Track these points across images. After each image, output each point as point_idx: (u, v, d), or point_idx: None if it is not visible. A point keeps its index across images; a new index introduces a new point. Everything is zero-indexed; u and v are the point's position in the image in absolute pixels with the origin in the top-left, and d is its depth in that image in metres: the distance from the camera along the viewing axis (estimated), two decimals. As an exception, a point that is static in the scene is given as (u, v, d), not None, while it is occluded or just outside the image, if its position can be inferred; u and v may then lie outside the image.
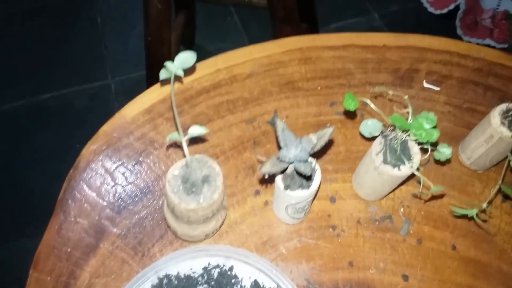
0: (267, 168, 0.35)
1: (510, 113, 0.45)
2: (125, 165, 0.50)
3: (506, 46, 1.57)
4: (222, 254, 0.43)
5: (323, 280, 0.45)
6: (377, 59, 0.61)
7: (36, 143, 1.27)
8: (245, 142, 0.53)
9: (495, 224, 0.49)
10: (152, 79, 1.07)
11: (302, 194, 0.40)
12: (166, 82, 0.56)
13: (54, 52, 1.50)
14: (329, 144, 0.54)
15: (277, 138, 0.36)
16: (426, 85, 0.59)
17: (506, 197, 0.51)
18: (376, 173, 0.43)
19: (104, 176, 0.49)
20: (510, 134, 0.44)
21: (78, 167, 0.49)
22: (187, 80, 0.57)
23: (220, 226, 0.44)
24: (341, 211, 0.49)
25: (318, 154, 0.53)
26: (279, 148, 0.37)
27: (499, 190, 0.47)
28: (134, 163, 0.51)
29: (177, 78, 0.55)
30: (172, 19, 1.10)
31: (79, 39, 1.54)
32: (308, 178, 0.38)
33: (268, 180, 0.49)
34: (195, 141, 0.53)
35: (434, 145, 0.41)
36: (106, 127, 0.52)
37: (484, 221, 0.48)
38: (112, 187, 0.49)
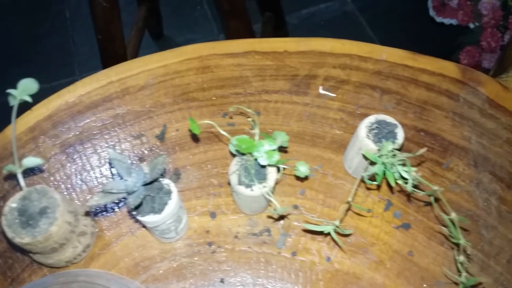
0: (94, 202, 0.34)
1: (374, 126, 0.44)
2: (3, 187, 0.50)
3: (472, 27, 1.57)
4: (85, 279, 0.43)
5: (193, 298, 0.45)
6: (276, 66, 0.61)
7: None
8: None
9: (374, 233, 0.49)
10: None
11: (154, 219, 0.39)
12: (53, 98, 0.56)
13: (24, 49, 1.49)
14: (218, 156, 0.54)
15: (110, 167, 0.35)
16: (322, 91, 0.59)
17: (388, 206, 0.51)
18: (235, 193, 0.42)
19: (-20, 200, 0.49)
20: (374, 147, 0.43)
21: (-47, 191, 0.49)
22: (76, 94, 0.56)
23: (84, 251, 0.44)
24: (220, 227, 0.49)
25: (204, 168, 0.53)
26: (114, 177, 0.36)
27: (349, 208, 0.47)
28: (11, 186, 0.50)
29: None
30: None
31: (48, 35, 1.53)
32: (137, 207, 0.38)
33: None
34: (74, 159, 0.52)
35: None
36: (-14, 148, 0.51)
37: (347, 235, 0.48)
38: (-13, 211, 0.48)
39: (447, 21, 1.59)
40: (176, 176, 0.52)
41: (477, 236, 0.49)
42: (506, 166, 0.54)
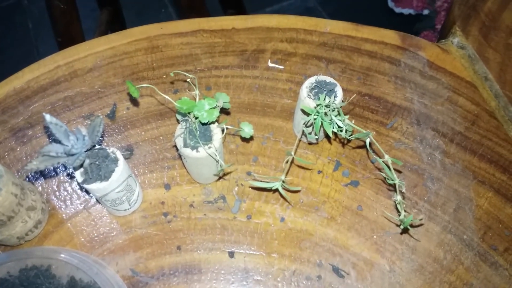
0: (33, 166, 0.34)
1: (314, 86, 0.46)
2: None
3: (426, 13, 1.63)
4: (39, 255, 0.43)
5: (149, 267, 0.46)
6: (224, 43, 0.62)
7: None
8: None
9: (325, 192, 0.51)
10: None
11: (101, 186, 0.40)
12: (1, 86, 0.55)
13: None
14: (171, 131, 0.55)
15: (48, 133, 0.36)
16: (270, 64, 0.60)
17: (337, 166, 0.53)
18: (182, 156, 0.43)
19: None
20: (314, 105, 0.45)
21: None
22: (23, 80, 0.56)
23: (36, 227, 0.44)
24: (176, 197, 0.50)
25: (157, 143, 0.53)
26: (53, 142, 0.36)
27: (292, 161, 0.49)
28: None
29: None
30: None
31: (11, 47, 1.50)
32: (80, 166, 0.38)
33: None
34: (24, 143, 0.52)
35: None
36: None
37: (295, 191, 0.50)
38: None
39: (405, 11, 1.65)
40: (129, 152, 0.52)
41: (423, 189, 0.52)
42: (448, 122, 0.57)
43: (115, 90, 0.57)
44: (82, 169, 0.40)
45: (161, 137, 0.54)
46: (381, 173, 0.46)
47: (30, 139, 0.52)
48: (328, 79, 0.47)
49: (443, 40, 0.66)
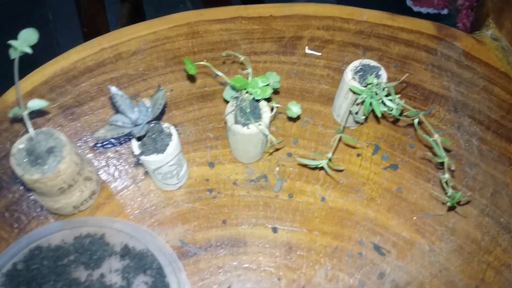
0: (100, 134, 0.36)
1: (359, 68, 0.47)
2: (5, 147, 0.51)
3: (446, 12, 1.62)
4: (93, 224, 0.44)
5: (197, 239, 0.47)
6: (262, 30, 0.63)
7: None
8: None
9: (365, 175, 0.52)
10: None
11: (158, 158, 0.41)
12: (48, 65, 0.57)
13: (6, 54, 1.48)
14: (213, 113, 0.56)
15: (113, 105, 0.37)
16: (308, 51, 0.62)
17: (376, 150, 0.54)
18: (232, 133, 0.45)
19: (-18, 160, 0.50)
20: (360, 88, 0.46)
21: (-45, 153, 0.50)
22: (70, 60, 0.58)
23: (91, 197, 0.46)
24: (219, 175, 0.51)
25: (200, 124, 0.55)
26: (117, 113, 0.38)
27: (340, 139, 0.50)
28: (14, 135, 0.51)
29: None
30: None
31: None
32: (140, 138, 0.40)
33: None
34: (73, 120, 0.54)
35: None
36: (-15, 113, 0.53)
37: (339, 170, 0.51)
38: (-10, 170, 0.49)
39: (424, 10, 1.65)
40: (173, 131, 0.54)
41: (462, 173, 0.53)
42: (484, 110, 0.58)
43: (159, 73, 0.59)
44: (138, 143, 0.42)
45: (203, 118, 0.56)
46: (428, 153, 0.47)
47: (79, 117, 0.54)
48: (372, 62, 0.48)
49: (477, 32, 0.67)
